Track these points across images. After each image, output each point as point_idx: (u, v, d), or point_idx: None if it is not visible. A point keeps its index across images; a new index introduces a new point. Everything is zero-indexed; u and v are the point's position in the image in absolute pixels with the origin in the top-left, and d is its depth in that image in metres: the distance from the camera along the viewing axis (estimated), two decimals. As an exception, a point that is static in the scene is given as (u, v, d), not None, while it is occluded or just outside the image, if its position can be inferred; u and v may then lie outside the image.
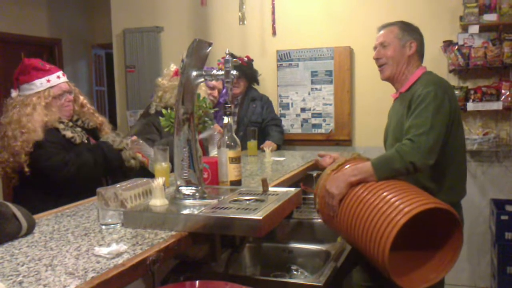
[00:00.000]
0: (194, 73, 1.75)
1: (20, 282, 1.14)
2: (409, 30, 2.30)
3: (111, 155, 2.47)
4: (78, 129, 2.54)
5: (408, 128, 2.04)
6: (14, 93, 2.47)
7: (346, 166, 2.12)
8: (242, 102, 4.15)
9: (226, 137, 2.05)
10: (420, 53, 2.32)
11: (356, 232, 1.91)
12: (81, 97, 2.65)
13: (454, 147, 2.16)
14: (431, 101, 2.04)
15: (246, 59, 4.27)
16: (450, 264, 1.85)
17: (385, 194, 1.87)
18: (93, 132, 2.66)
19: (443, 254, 1.87)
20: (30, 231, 1.55)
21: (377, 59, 2.34)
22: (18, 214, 1.51)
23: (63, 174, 2.35)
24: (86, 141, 2.53)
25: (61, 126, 2.45)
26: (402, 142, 2.01)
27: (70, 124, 2.52)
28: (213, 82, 3.67)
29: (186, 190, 1.74)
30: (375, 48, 2.35)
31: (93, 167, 2.41)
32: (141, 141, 2.64)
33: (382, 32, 2.34)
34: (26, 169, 2.32)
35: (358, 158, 2.18)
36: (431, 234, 1.92)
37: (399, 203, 1.79)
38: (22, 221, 1.51)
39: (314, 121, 4.37)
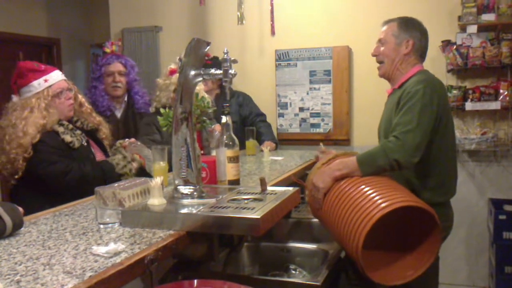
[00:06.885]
0: (193, 72, 1.75)
1: (18, 281, 1.14)
2: (407, 28, 2.28)
3: (109, 178, 2.39)
4: (78, 131, 2.51)
5: (395, 125, 2.05)
6: (15, 98, 2.46)
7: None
8: (217, 103, 3.90)
9: (224, 137, 2.05)
10: (419, 51, 2.29)
11: (336, 225, 1.92)
12: (80, 96, 2.64)
13: (441, 146, 2.15)
14: (419, 99, 2.04)
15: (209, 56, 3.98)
16: (428, 263, 1.85)
17: (366, 188, 1.88)
18: (92, 133, 2.65)
19: (421, 253, 1.87)
20: (16, 229, 1.50)
21: (374, 55, 2.35)
22: (1, 211, 1.45)
23: (63, 183, 2.32)
24: (85, 144, 2.50)
25: (60, 129, 2.42)
26: (388, 139, 2.03)
27: (70, 126, 2.48)
28: None
29: (184, 189, 1.74)
30: (377, 43, 2.36)
31: (91, 181, 2.31)
32: (139, 143, 2.63)
33: (383, 28, 2.34)
34: (19, 174, 2.30)
35: (350, 154, 2.19)
36: (412, 232, 1.91)
37: (378, 198, 1.79)
38: (6, 220, 1.45)
39: (312, 120, 4.37)
